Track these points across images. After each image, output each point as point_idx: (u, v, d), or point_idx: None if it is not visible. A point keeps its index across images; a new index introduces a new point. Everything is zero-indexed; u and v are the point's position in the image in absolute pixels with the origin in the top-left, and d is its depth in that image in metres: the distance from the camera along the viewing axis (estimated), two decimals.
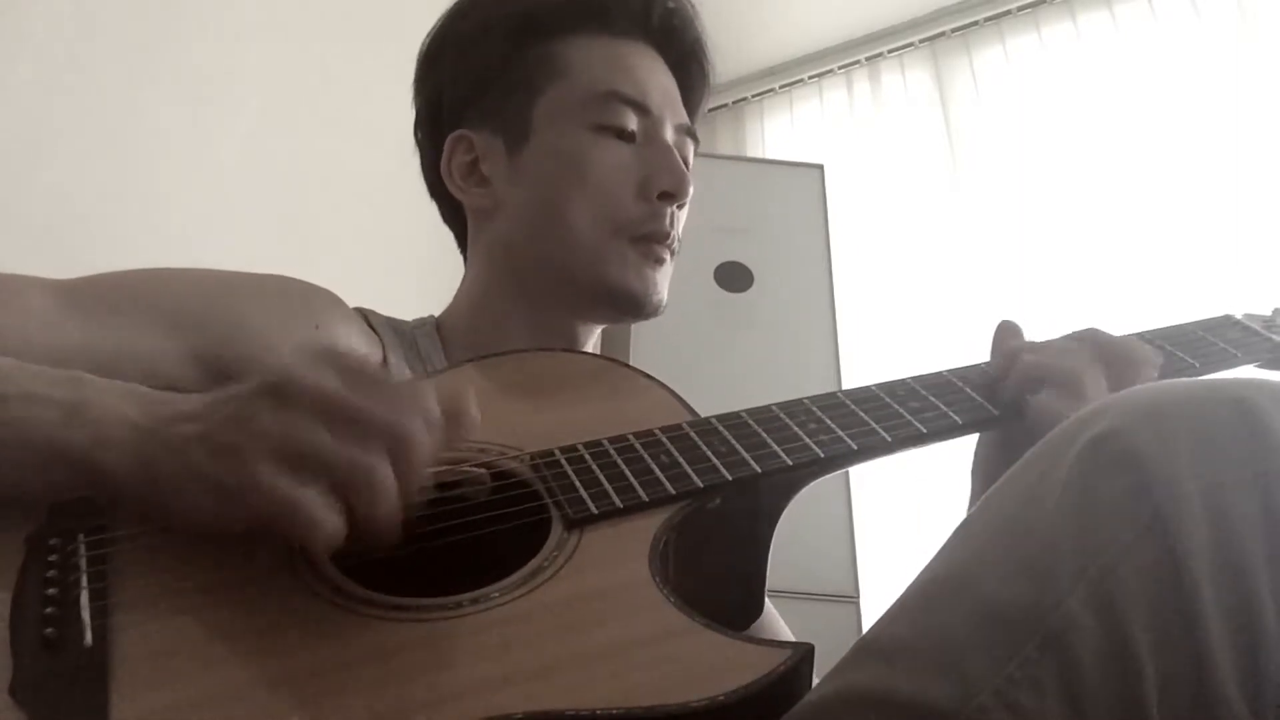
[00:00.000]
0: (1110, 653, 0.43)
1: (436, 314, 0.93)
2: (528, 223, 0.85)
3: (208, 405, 0.51)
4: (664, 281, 0.86)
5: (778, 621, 0.89)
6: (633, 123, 0.85)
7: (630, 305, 0.84)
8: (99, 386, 0.54)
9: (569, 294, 0.85)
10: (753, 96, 3.04)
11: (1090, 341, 0.73)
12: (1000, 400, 0.70)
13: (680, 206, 0.86)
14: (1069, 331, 0.76)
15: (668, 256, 0.86)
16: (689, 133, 0.90)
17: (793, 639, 0.88)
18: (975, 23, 2.72)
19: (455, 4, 0.92)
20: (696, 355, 1.85)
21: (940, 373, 0.72)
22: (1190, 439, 0.48)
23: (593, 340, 0.92)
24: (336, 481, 0.48)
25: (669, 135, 0.87)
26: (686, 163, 0.89)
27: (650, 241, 0.84)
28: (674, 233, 0.85)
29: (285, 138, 1.99)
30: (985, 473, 0.77)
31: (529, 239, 0.85)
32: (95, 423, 0.51)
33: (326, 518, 0.47)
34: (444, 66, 0.91)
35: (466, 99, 0.89)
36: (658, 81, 0.88)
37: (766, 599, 0.90)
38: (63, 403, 0.52)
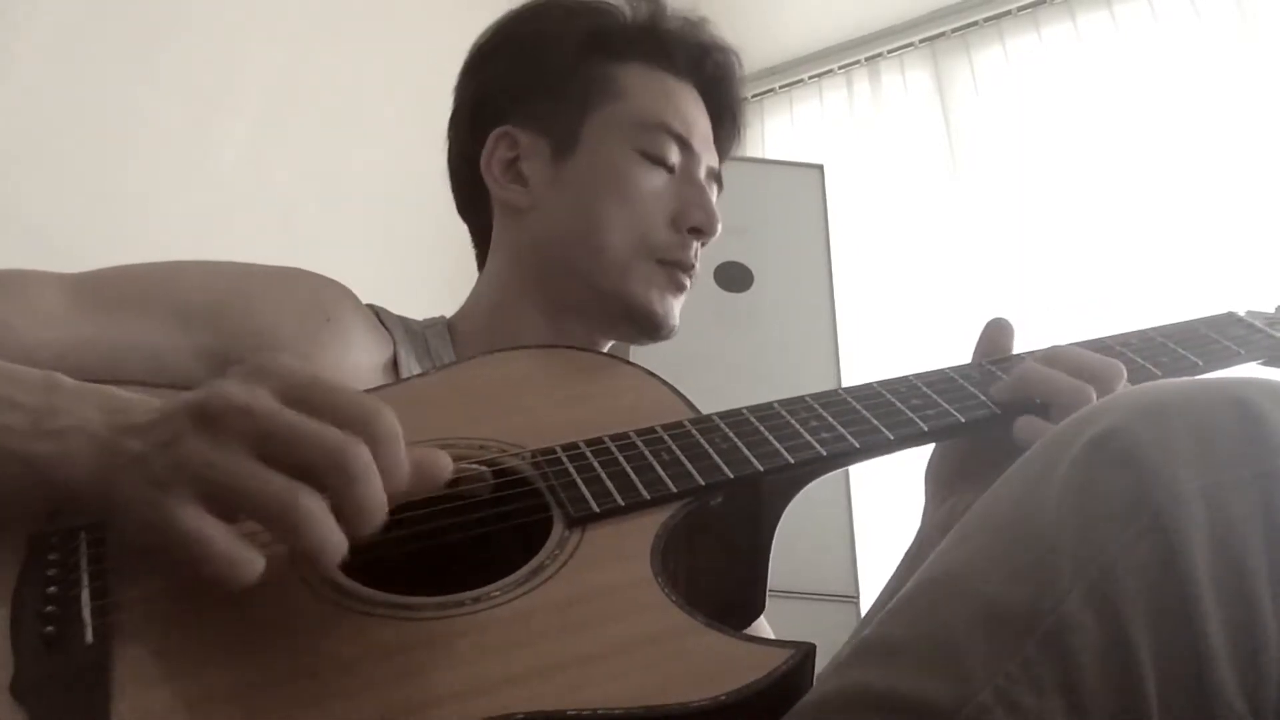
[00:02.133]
0: (1110, 652, 0.43)
1: (437, 315, 0.93)
2: (562, 228, 0.88)
3: (151, 421, 0.48)
4: (678, 308, 0.89)
5: (761, 622, 0.90)
6: (675, 156, 0.89)
7: (647, 324, 0.87)
8: (70, 392, 0.52)
9: (590, 304, 0.88)
10: (753, 96, 3.04)
11: (1070, 361, 0.70)
12: (1001, 400, 0.70)
13: (703, 243, 0.89)
14: (1042, 348, 0.73)
15: (687, 284, 0.89)
16: (718, 178, 0.95)
17: (770, 632, 0.88)
18: (975, 23, 2.72)
19: (523, 4, 0.95)
20: (696, 355, 1.85)
21: (943, 370, 0.72)
22: (1190, 438, 0.47)
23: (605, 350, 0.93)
24: (261, 517, 0.45)
25: (702, 175, 0.91)
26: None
27: (675, 268, 0.88)
28: (695, 266, 0.89)
29: (286, 138, 1.99)
30: (938, 478, 0.77)
31: (561, 243, 0.87)
32: (60, 434, 0.49)
33: (241, 557, 0.44)
34: (500, 63, 0.94)
35: (518, 98, 0.91)
36: (700, 124, 0.92)
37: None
38: (34, 409, 0.50)
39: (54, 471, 0.49)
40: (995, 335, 0.77)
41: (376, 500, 0.46)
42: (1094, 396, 0.67)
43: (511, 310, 0.89)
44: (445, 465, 0.50)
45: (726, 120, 0.98)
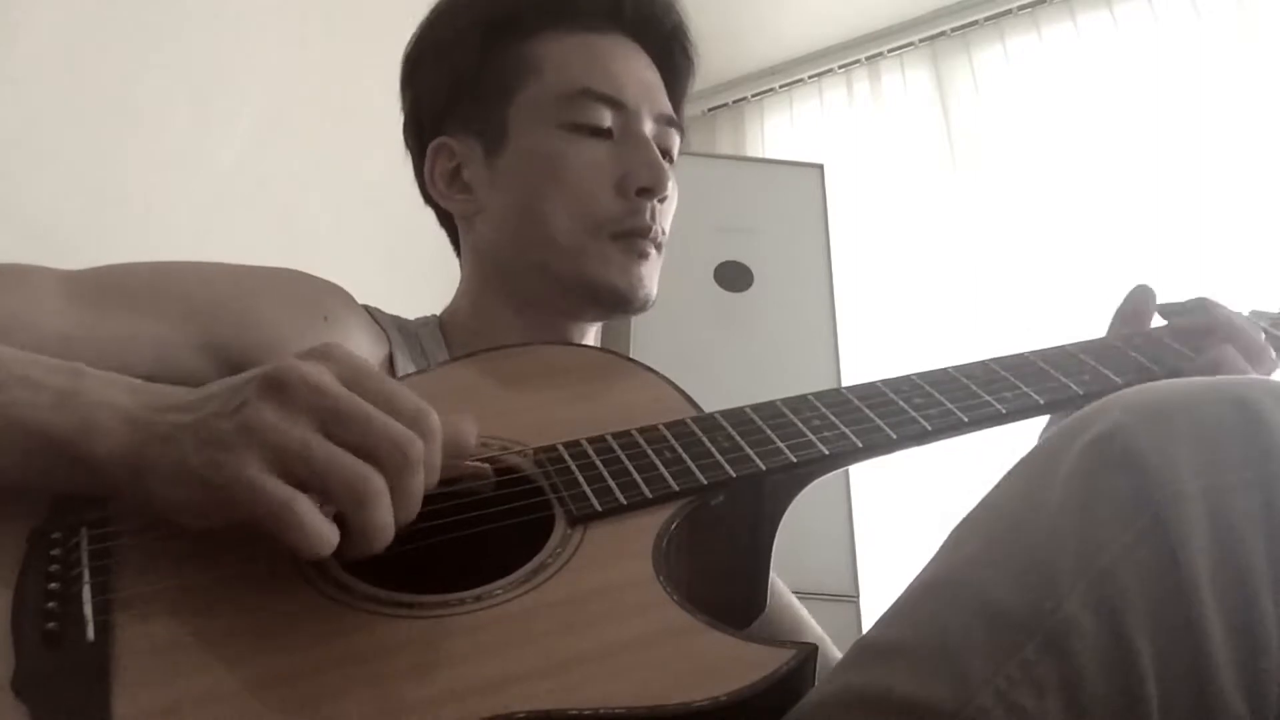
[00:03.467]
0: (1110, 653, 0.43)
1: (434, 314, 0.93)
2: (509, 227, 0.86)
3: (202, 397, 0.50)
4: (651, 275, 0.85)
5: (800, 611, 0.90)
6: (607, 119, 0.84)
7: (616, 301, 0.84)
8: (96, 377, 0.53)
9: (556, 294, 0.85)
10: (753, 96, 3.04)
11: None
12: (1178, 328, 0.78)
13: (662, 200, 0.84)
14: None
15: (652, 250, 0.85)
16: (671, 122, 0.88)
17: (816, 627, 0.88)
18: (975, 22, 2.72)
19: (430, 11, 0.92)
20: (696, 355, 1.85)
21: (945, 369, 0.72)
22: (1192, 439, 0.47)
23: (590, 338, 0.92)
24: (328, 487, 0.46)
25: (648, 128, 0.85)
26: (669, 154, 0.88)
27: (632, 236, 0.83)
28: (656, 226, 0.84)
29: (286, 138, 1.99)
30: None
31: (511, 242, 0.86)
32: (87, 410, 0.50)
33: (316, 524, 0.46)
34: (423, 74, 0.91)
35: (445, 105, 0.89)
36: (634, 73, 0.86)
37: (792, 595, 0.91)
38: (58, 390, 0.51)
39: (77, 445, 0.49)
40: (1140, 301, 0.82)
41: (420, 491, 0.49)
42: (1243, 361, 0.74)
43: (487, 311, 0.89)
44: (470, 432, 0.53)
45: (674, 54, 0.92)
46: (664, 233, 0.86)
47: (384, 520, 0.47)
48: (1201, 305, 0.80)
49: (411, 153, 0.94)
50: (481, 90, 0.87)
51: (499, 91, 0.86)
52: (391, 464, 0.47)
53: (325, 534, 0.46)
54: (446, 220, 0.95)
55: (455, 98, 0.88)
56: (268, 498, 0.45)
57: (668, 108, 0.89)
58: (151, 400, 0.51)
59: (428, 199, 0.94)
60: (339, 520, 0.47)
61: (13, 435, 0.50)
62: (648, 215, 0.83)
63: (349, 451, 0.47)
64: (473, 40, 0.87)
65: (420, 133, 0.91)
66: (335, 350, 0.51)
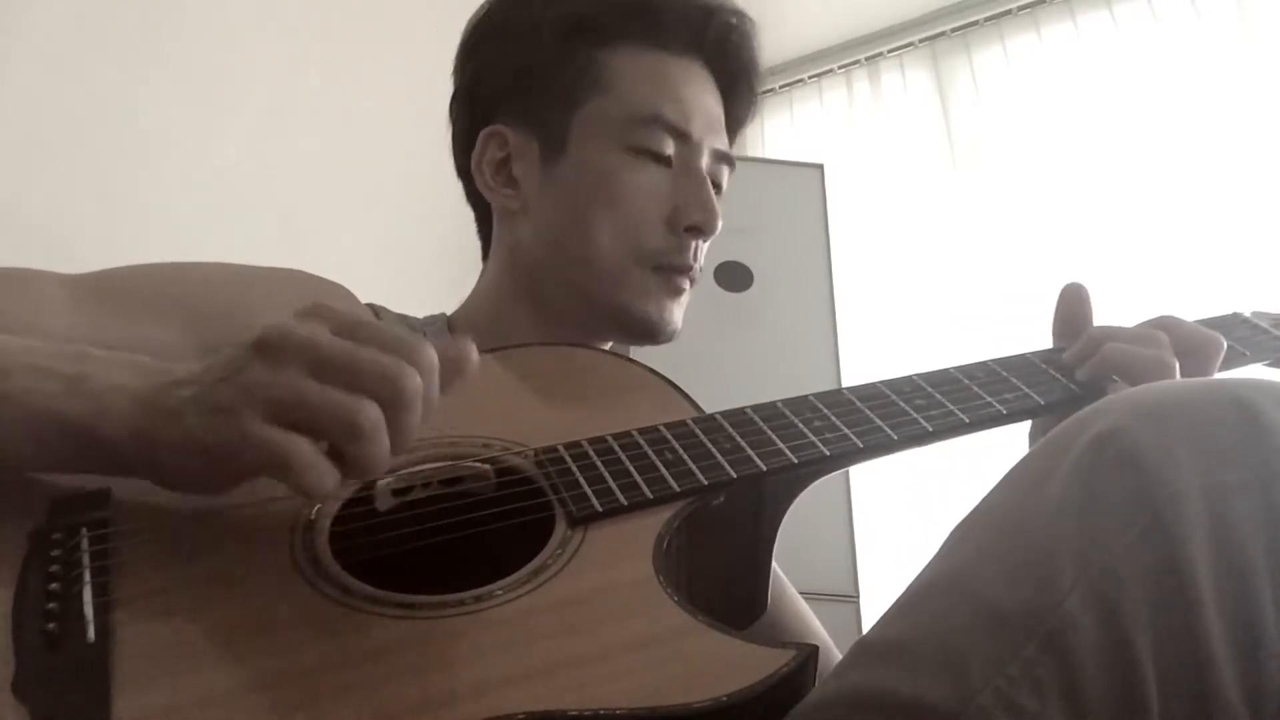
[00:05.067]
0: (1110, 653, 0.43)
1: (442, 312, 0.93)
2: (552, 234, 0.84)
3: (203, 369, 0.51)
4: (680, 311, 0.85)
5: (808, 618, 0.90)
6: (670, 148, 0.83)
7: (644, 332, 0.84)
8: (102, 360, 0.54)
9: (584, 312, 0.84)
10: None
11: (1175, 331, 0.72)
12: (1083, 380, 0.70)
13: (704, 241, 0.84)
14: (1148, 319, 0.75)
15: (687, 286, 0.85)
16: (726, 159, 0.88)
17: (821, 630, 0.88)
18: (975, 22, 2.72)
19: None
20: (696, 355, 1.84)
21: (947, 370, 0.72)
22: (1191, 439, 0.48)
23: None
24: (321, 423, 0.48)
25: (705, 162, 0.85)
26: (719, 188, 0.87)
27: (671, 272, 0.83)
28: (696, 265, 0.84)
29: (286, 137, 1.99)
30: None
31: (551, 251, 0.84)
32: (95, 394, 0.51)
33: (317, 463, 0.48)
34: (486, 54, 0.88)
35: (505, 93, 0.86)
36: (703, 106, 0.85)
37: (801, 600, 0.91)
38: (65, 375, 0.52)
39: (90, 429, 0.50)
40: (1071, 301, 0.78)
41: (417, 424, 0.50)
42: (1168, 352, 0.69)
43: (507, 313, 0.87)
44: (471, 356, 0.54)
45: (740, 89, 0.90)
46: (700, 270, 0.86)
47: (381, 451, 0.49)
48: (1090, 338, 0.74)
49: (455, 124, 0.91)
50: (549, 89, 0.84)
51: (566, 95, 0.84)
52: (383, 395, 0.49)
53: (324, 471, 0.48)
54: (478, 199, 0.92)
55: (519, 87, 0.85)
56: (267, 446, 0.47)
57: (725, 143, 0.88)
58: (157, 379, 0.52)
59: (463, 173, 0.91)
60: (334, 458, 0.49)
61: (26, 422, 0.51)
62: (691, 254, 0.83)
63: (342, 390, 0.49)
64: (549, 34, 0.85)
65: (472, 109, 0.88)
66: (324, 307, 0.52)
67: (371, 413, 0.48)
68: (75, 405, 0.51)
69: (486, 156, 0.86)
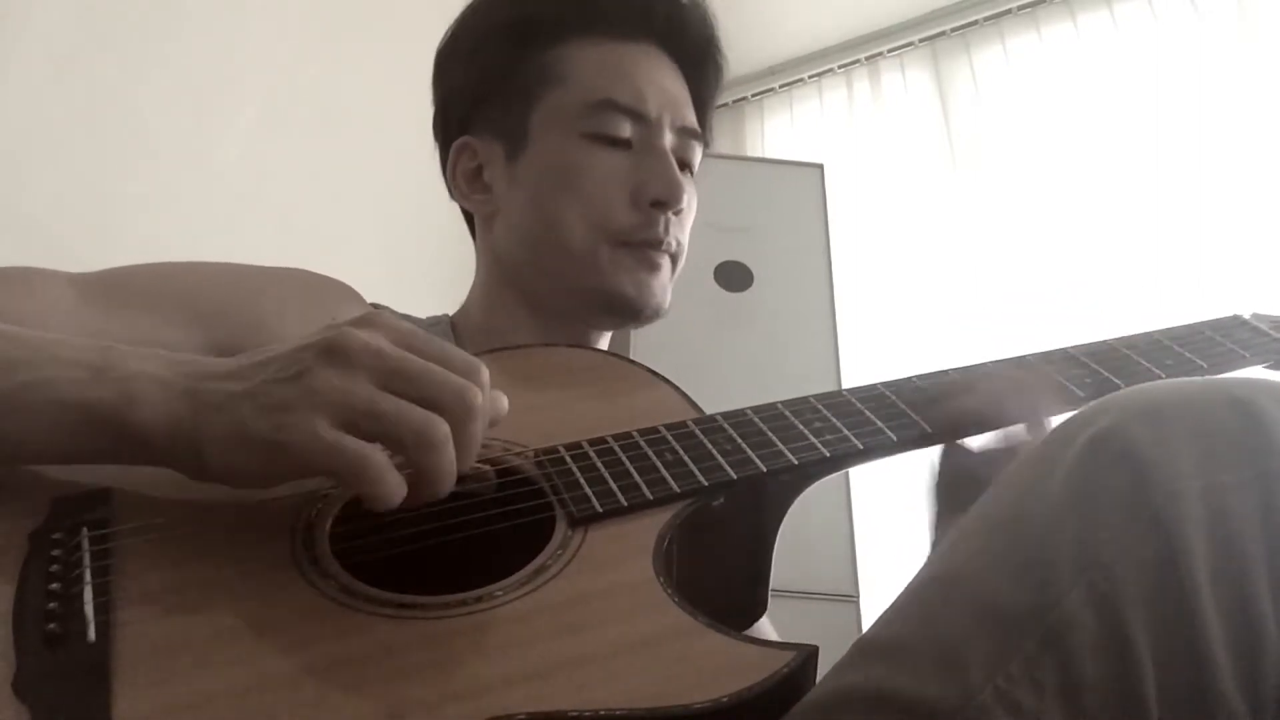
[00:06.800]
0: (1110, 651, 0.43)
1: (446, 313, 0.93)
2: (524, 231, 0.86)
3: (248, 365, 0.52)
4: (663, 286, 0.85)
5: (763, 622, 0.89)
6: (627, 130, 0.84)
7: (627, 310, 0.85)
8: (125, 351, 0.54)
9: (568, 301, 0.86)
10: (752, 96, 3.04)
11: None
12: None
13: (676, 213, 0.85)
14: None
15: (665, 261, 0.85)
16: (693, 134, 0.88)
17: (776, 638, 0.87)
18: (975, 22, 2.72)
19: (462, 11, 0.92)
20: (696, 355, 1.85)
21: (946, 371, 0.72)
22: (1190, 438, 0.48)
23: (603, 344, 0.92)
24: (398, 435, 0.49)
25: (668, 140, 0.86)
26: (689, 166, 0.88)
27: (643, 247, 0.84)
28: (669, 238, 0.85)
29: (286, 138, 1.99)
30: (952, 487, 0.74)
31: (526, 247, 0.86)
32: (123, 380, 0.51)
33: (390, 475, 0.48)
34: (451, 72, 0.92)
35: (471, 105, 0.89)
36: (657, 84, 0.86)
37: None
38: (90, 365, 0.52)
39: (119, 417, 0.50)
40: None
41: (480, 437, 0.51)
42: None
43: (501, 311, 0.89)
44: (503, 406, 0.55)
45: (704, 66, 0.92)
46: (679, 244, 0.87)
47: (449, 465, 0.50)
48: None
49: (440, 149, 0.94)
50: (507, 93, 0.87)
51: (523, 96, 0.86)
52: (455, 411, 0.50)
53: (398, 484, 0.48)
54: (470, 218, 0.95)
55: (481, 98, 0.89)
56: (342, 452, 0.48)
57: (690, 120, 0.88)
58: (189, 370, 0.52)
59: (453, 195, 0.94)
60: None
61: (51, 412, 0.51)
62: (660, 227, 0.84)
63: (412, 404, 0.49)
64: (501, 43, 0.87)
65: (447, 130, 0.92)
66: (380, 317, 0.53)
67: (443, 426, 0.49)
68: (104, 393, 0.51)
69: (460, 168, 0.90)
